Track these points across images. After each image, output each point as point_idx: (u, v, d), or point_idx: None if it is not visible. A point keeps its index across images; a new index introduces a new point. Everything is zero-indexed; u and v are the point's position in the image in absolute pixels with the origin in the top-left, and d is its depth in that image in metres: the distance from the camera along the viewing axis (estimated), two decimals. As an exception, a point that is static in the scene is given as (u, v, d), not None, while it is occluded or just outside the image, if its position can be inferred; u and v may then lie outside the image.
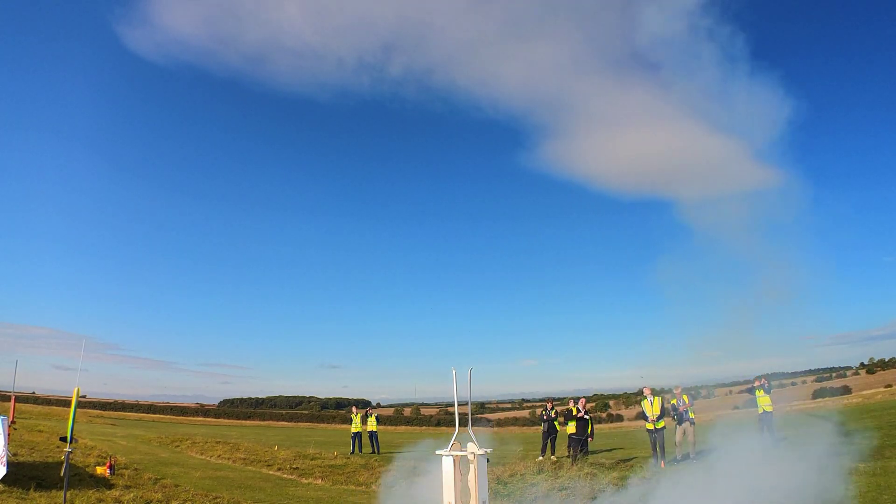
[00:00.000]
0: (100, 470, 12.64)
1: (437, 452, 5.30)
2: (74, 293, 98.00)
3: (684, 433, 14.50)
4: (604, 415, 69.00)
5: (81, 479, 11.26)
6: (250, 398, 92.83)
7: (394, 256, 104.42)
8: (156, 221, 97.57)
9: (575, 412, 15.25)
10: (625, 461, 14.91)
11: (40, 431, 22.24)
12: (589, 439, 15.37)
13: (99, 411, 60.70)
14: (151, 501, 9.83)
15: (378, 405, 77.36)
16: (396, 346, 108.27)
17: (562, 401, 33.06)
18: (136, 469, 13.75)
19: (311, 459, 16.98)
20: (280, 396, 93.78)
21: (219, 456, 18.58)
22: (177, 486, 11.72)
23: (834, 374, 68.29)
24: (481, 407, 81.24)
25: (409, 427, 56.85)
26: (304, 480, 13.85)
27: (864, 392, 44.99)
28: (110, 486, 10.83)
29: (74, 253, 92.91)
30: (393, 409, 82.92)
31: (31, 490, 9.56)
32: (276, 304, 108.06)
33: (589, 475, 11.86)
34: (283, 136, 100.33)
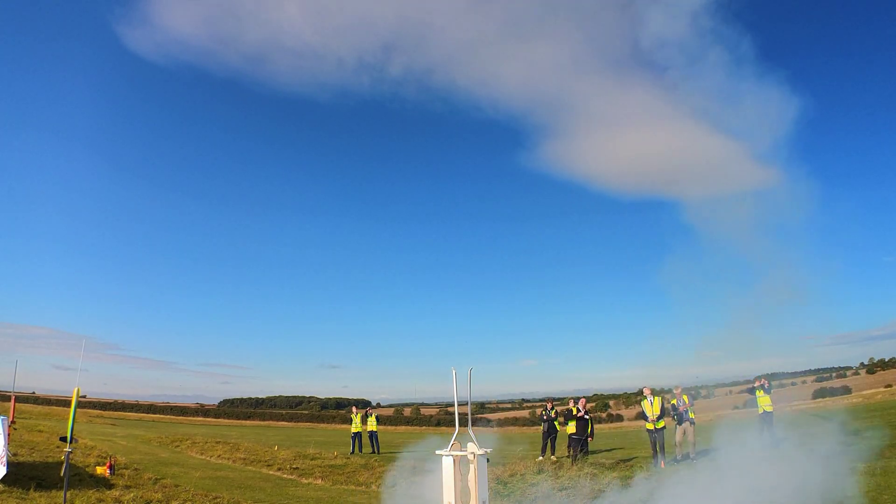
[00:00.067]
0: (100, 470, 12.64)
1: (437, 452, 5.30)
2: (74, 293, 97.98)
3: (684, 433, 14.50)
4: (604, 415, 68.98)
5: (81, 479, 11.26)
6: (250, 398, 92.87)
7: (394, 256, 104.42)
8: (156, 221, 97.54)
9: (575, 412, 15.25)
10: (625, 461, 14.91)
11: (40, 431, 22.24)
12: (589, 439, 15.38)
13: (99, 411, 60.68)
14: (151, 501, 9.82)
15: (378, 405, 77.40)
16: (396, 346, 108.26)
17: (562, 401, 33.08)
18: (136, 469, 13.74)
19: (311, 459, 16.98)
20: (280, 396, 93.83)
21: (219, 456, 18.58)
22: (177, 486, 11.72)
23: (834, 374, 68.28)
24: (481, 407, 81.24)
25: (409, 427, 56.84)
26: (304, 480, 13.85)
27: (864, 392, 44.99)
28: (110, 486, 10.82)
29: (74, 253, 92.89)
30: (393, 409, 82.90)
31: (31, 490, 9.56)
32: (276, 304, 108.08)
33: (589, 475, 11.85)
34: (283, 136, 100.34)
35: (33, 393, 67.23)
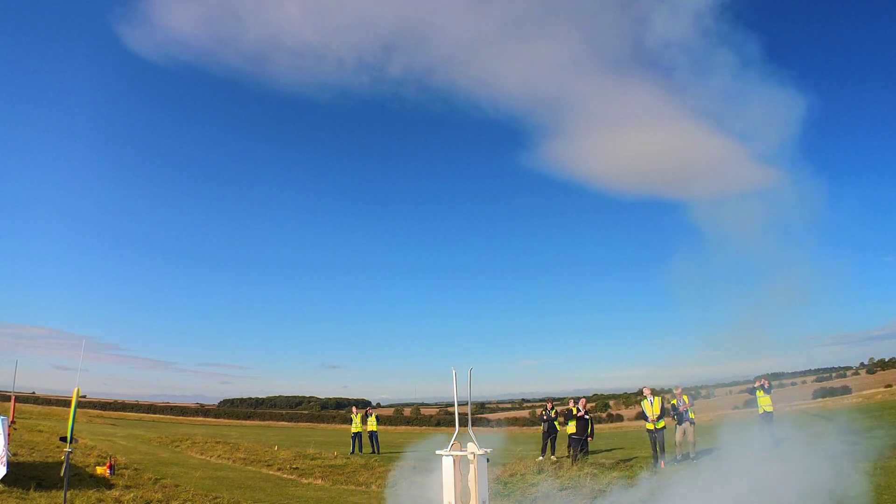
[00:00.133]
0: (100, 470, 12.64)
1: (437, 452, 5.30)
2: (74, 293, 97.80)
3: (684, 433, 14.51)
4: (604, 415, 68.97)
5: (81, 479, 11.26)
6: (250, 398, 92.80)
7: (394, 256, 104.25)
8: (156, 221, 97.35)
9: (575, 412, 15.25)
10: (625, 461, 14.91)
11: (40, 431, 22.24)
12: (589, 439, 15.38)
13: (99, 411, 60.69)
14: (151, 501, 9.83)
15: (378, 405, 77.40)
16: (396, 346, 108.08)
17: (562, 401, 33.05)
18: (136, 469, 13.75)
19: (311, 459, 16.98)
20: (280, 396, 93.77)
21: (219, 456, 18.58)
22: (177, 486, 11.72)
23: (834, 374, 68.25)
24: (481, 407, 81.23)
25: (409, 427, 56.86)
26: (304, 480, 13.85)
27: (865, 392, 44.98)
28: (110, 486, 10.83)
29: (74, 253, 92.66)
30: (393, 409, 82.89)
31: (31, 490, 9.56)
32: (276, 304, 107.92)
33: (589, 475, 11.86)
34: (283, 136, 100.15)
35: (33, 393, 67.28)
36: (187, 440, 24.13)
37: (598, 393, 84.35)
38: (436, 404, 79.17)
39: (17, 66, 79.87)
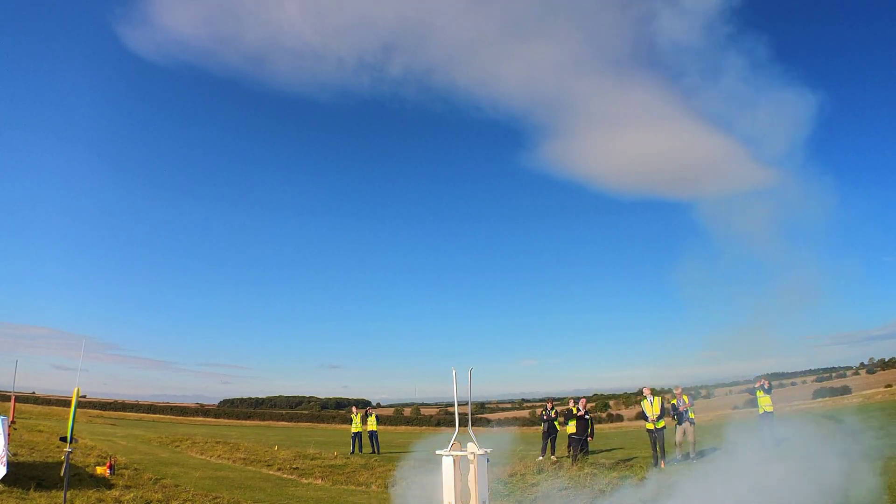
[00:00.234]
0: (100, 470, 12.64)
1: (437, 452, 5.30)
2: (74, 293, 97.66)
3: (684, 433, 14.51)
4: (604, 415, 68.99)
5: (81, 479, 11.26)
6: (250, 398, 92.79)
7: (394, 256, 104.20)
8: (156, 221, 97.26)
9: (575, 412, 15.25)
10: (625, 461, 14.91)
11: (40, 431, 22.24)
12: (589, 439, 15.37)
13: (99, 411, 60.66)
14: (151, 501, 9.83)
15: (378, 405, 77.40)
16: (396, 346, 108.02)
17: (562, 401, 33.05)
18: (136, 469, 13.74)
19: (311, 459, 16.98)
20: (280, 396, 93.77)
21: (219, 456, 18.58)
22: (177, 486, 11.72)
23: (834, 374, 68.25)
24: (481, 407, 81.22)
25: (409, 427, 56.85)
26: (304, 480, 13.85)
27: (865, 392, 44.97)
28: (110, 486, 10.83)
29: (74, 253, 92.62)
30: (393, 409, 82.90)
31: (31, 490, 9.56)
32: (276, 304, 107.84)
33: (589, 475, 11.86)
34: (283, 136, 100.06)
35: (33, 393, 67.27)
36: (187, 440, 24.13)
37: (598, 393, 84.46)
38: (436, 404, 79.19)
39: (17, 66, 79.91)
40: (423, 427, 56.40)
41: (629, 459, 15.24)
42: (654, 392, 14.75)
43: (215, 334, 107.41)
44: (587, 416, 15.32)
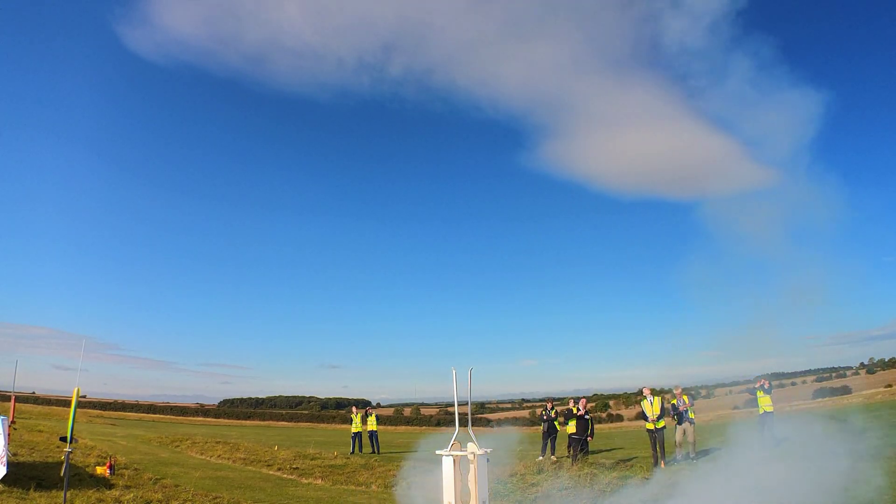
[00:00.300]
0: (100, 470, 12.63)
1: (438, 452, 5.30)
2: (74, 293, 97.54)
3: (684, 433, 14.51)
4: (604, 415, 68.96)
5: (81, 479, 11.26)
6: (250, 398, 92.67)
7: (394, 256, 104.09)
8: (156, 221, 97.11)
9: (575, 412, 15.25)
10: (625, 461, 14.91)
11: (40, 431, 22.23)
12: (589, 439, 15.37)
13: (99, 411, 60.66)
14: (151, 501, 9.82)
15: (378, 405, 77.37)
16: (396, 346, 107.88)
17: (562, 401, 33.03)
18: (136, 469, 13.74)
19: (311, 459, 16.98)
20: (280, 396, 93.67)
21: (219, 456, 18.58)
22: (177, 486, 11.71)
23: (834, 374, 68.21)
24: (481, 407, 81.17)
25: (409, 427, 56.85)
26: (304, 480, 13.85)
27: (865, 392, 44.94)
28: (110, 486, 10.82)
29: (74, 253, 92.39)
30: (393, 409, 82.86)
31: (31, 490, 9.56)
32: (276, 304, 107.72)
33: (589, 475, 11.85)
34: (283, 136, 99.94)
35: (33, 393, 67.23)
36: (187, 440, 24.13)
37: (598, 393, 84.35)
38: (436, 404, 79.15)
39: (17, 66, 79.84)
40: (423, 427, 56.39)
41: (629, 459, 15.24)
42: (654, 392, 14.76)
43: (215, 334, 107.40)
44: (587, 416, 15.32)
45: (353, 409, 23.02)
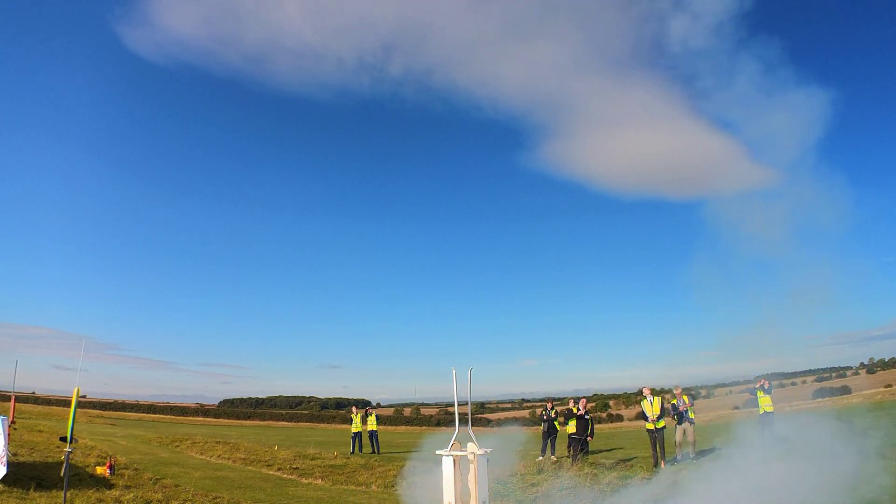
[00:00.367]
0: (100, 470, 12.63)
1: (437, 452, 5.29)
2: (74, 293, 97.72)
3: (684, 433, 14.51)
4: (604, 415, 68.97)
5: (81, 479, 11.26)
6: (250, 398, 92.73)
7: (394, 256, 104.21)
8: (156, 221, 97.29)
9: (575, 411, 15.25)
10: (625, 461, 14.90)
11: (40, 431, 22.23)
12: (589, 439, 15.37)
13: (99, 411, 60.67)
14: (151, 501, 9.82)
15: (378, 405, 77.37)
16: (396, 346, 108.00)
17: (562, 401, 33.01)
18: (136, 469, 13.74)
19: (311, 459, 16.98)
20: (280, 396, 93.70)
21: (219, 456, 18.58)
22: (177, 486, 11.71)
23: (834, 374, 68.22)
24: (481, 407, 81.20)
25: (409, 427, 56.85)
26: (304, 480, 13.85)
27: (865, 392, 44.96)
28: (110, 486, 10.82)
29: (74, 253, 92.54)
30: (393, 409, 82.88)
31: (31, 490, 9.56)
32: (276, 304, 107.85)
33: (589, 475, 11.85)
34: (283, 136, 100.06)
35: (33, 393, 67.26)
36: (187, 440, 24.13)
37: (598, 393, 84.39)
38: (436, 404, 79.17)
39: (17, 66, 79.90)
40: (423, 427, 56.39)
41: (629, 459, 15.23)
42: (654, 392, 14.75)
43: (215, 334, 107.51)
44: (587, 416, 15.31)
45: (353, 409, 23.01)
